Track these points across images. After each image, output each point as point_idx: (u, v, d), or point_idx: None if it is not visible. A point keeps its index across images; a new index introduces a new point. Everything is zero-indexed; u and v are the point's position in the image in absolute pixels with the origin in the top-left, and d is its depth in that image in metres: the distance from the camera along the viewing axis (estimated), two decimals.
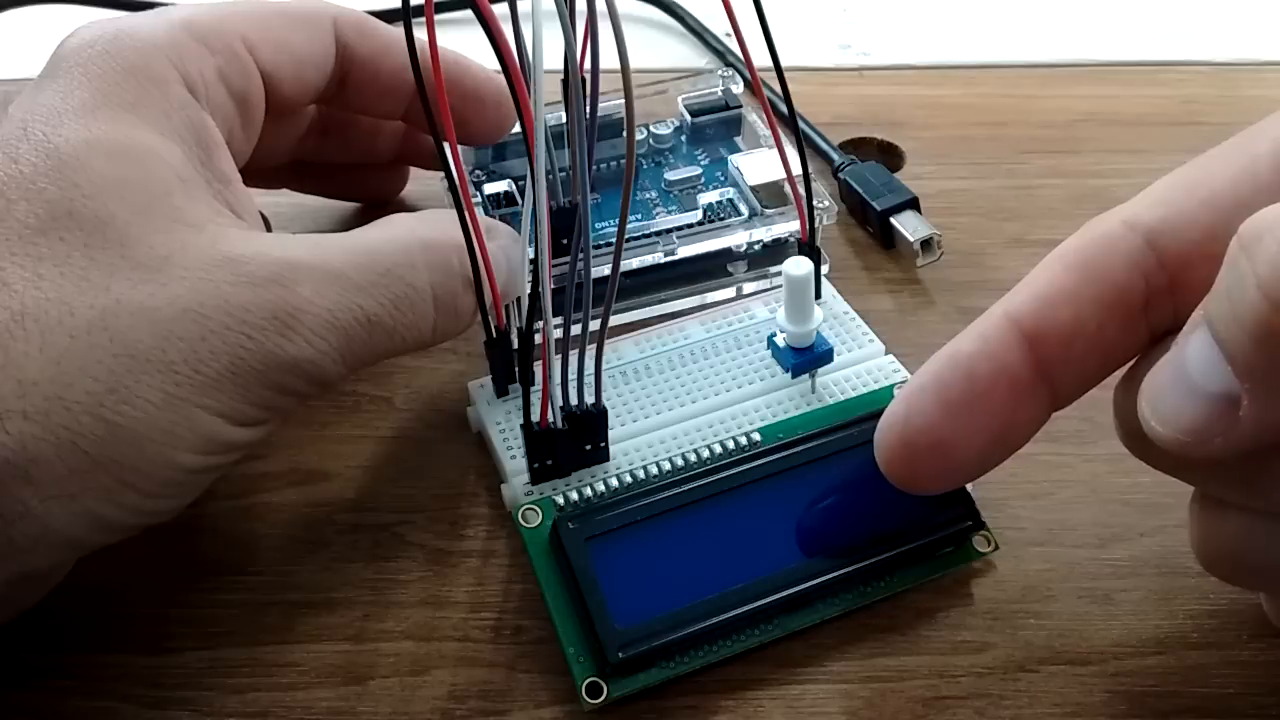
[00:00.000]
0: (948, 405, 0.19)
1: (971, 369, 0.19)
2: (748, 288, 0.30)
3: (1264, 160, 0.19)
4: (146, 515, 0.21)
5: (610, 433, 0.25)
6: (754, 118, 0.32)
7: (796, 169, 0.27)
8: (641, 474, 0.25)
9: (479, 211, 0.26)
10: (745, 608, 0.22)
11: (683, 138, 0.32)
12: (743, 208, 0.30)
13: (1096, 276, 0.19)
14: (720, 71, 0.33)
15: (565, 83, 0.27)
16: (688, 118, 0.32)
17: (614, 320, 0.23)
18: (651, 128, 0.32)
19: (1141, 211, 0.20)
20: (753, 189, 0.30)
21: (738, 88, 0.33)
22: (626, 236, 0.23)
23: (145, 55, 0.23)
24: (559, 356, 0.23)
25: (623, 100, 0.20)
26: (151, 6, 0.34)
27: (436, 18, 0.21)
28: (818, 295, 0.28)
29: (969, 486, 0.24)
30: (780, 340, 0.27)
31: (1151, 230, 0.19)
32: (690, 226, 0.29)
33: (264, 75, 0.25)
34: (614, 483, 0.24)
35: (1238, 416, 0.17)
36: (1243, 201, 0.19)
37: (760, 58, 0.25)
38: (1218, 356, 0.17)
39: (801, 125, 0.29)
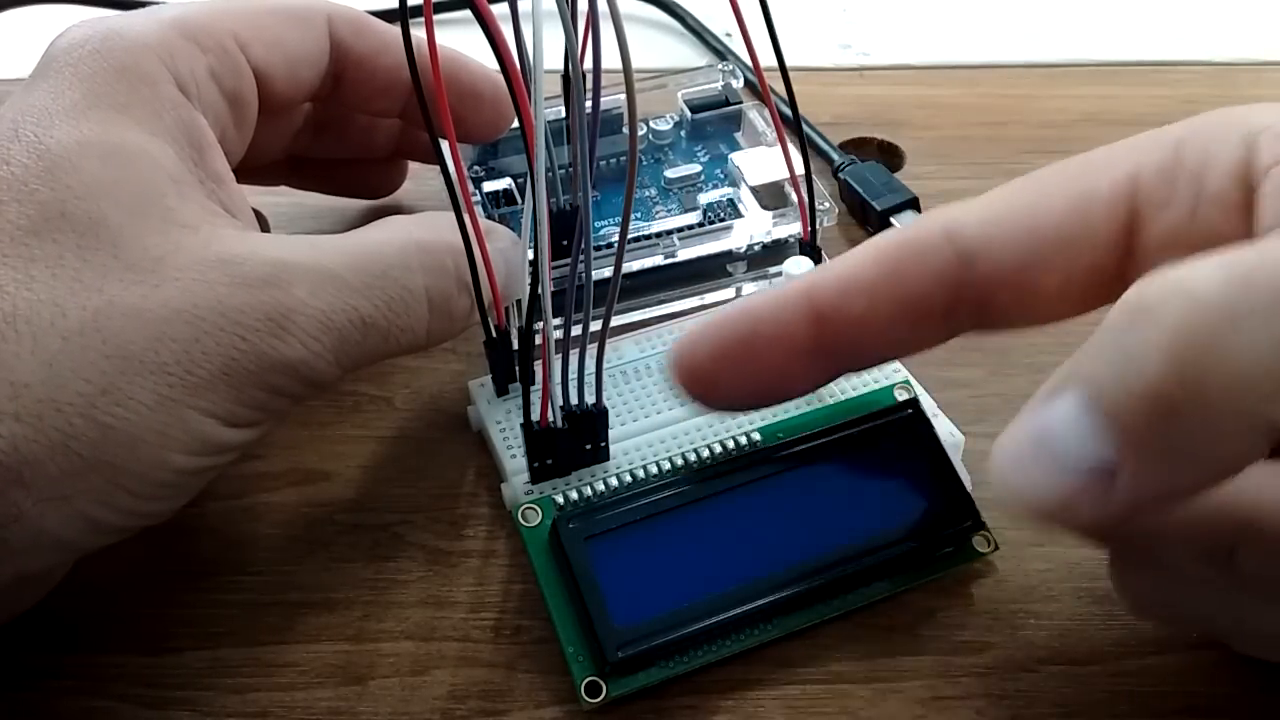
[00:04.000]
0: (724, 352, 0.20)
1: (756, 329, 0.20)
2: (748, 288, 0.30)
3: (1100, 201, 0.19)
4: (140, 517, 0.21)
5: (610, 432, 0.25)
6: (754, 114, 0.32)
7: (799, 169, 0.27)
8: (641, 474, 0.25)
9: (478, 212, 0.26)
10: (745, 607, 0.22)
11: (682, 133, 0.32)
12: (743, 208, 0.29)
13: (899, 281, 0.20)
14: (720, 66, 0.33)
15: (566, 79, 0.27)
16: (687, 113, 0.32)
17: (614, 320, 0.23)
18: (651, 123, 0.31)
19: (967, 224, 0.20)
20: (753, 189, 0.29)
21: (738, 83, 0.32)
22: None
23: (136, 55, 0.23)
24: (559, 356, 0.23)
25: (621, 95, 0.20)
26: (146, 5, 0.34)
27: (435, 18, 0.21)
28: None
29: (969, 487, 0.24)
30: None
31: (969, 246, 0.19)
32: (690, 228, 0.29)
33: (256, 73, 0.25)
34: (614, 482, 0.24)
35: (1110, 490, 0.16)
36: (1067, 240, 0.19)
37: (761, 58, 0.25)
38: (1094, 428, 0.16)
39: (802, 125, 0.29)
